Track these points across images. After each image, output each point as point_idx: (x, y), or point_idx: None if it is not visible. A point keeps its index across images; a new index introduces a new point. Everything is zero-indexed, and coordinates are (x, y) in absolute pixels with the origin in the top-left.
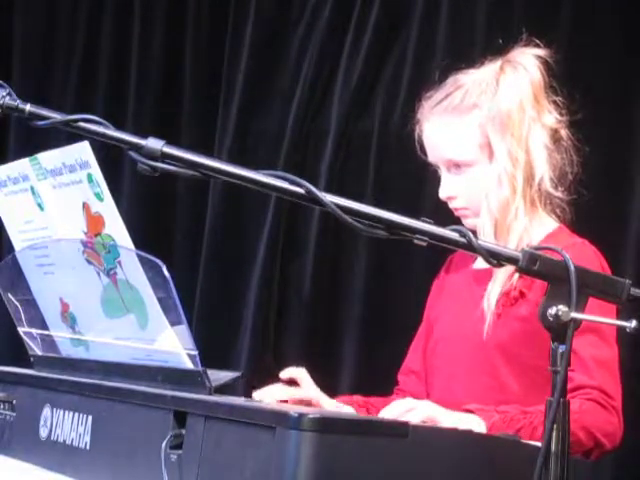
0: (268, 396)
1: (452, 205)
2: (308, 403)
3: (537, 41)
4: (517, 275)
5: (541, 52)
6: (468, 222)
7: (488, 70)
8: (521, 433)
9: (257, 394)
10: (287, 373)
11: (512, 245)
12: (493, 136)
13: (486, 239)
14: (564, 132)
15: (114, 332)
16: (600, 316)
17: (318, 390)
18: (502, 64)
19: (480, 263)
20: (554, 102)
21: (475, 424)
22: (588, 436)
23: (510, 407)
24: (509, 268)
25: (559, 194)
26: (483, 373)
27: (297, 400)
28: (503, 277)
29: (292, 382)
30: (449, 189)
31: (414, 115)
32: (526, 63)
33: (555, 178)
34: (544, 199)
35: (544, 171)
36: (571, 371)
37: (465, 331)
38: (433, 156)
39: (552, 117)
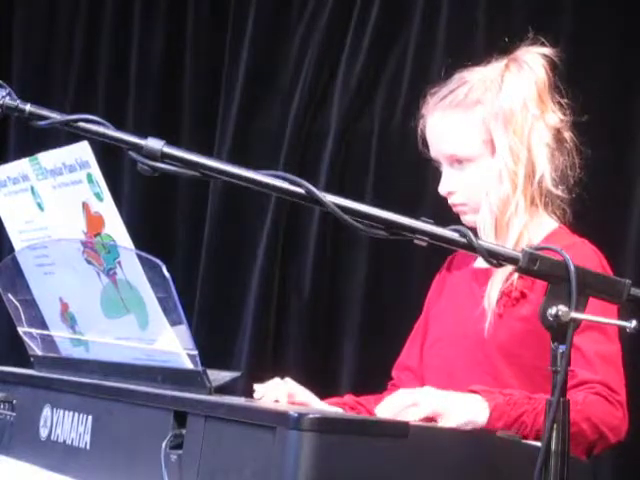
0: (268, 392)
1: (451, 201)
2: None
3: (543, 40)
4: (517, 275)
5: (547, 51)
6: (466, 219)
7: (494, 68)
8: (524, 417)
9: (258, 392)
10: (272, 390)
11: (512, 241)
12: (495, 132)
13: (486, 235)
14: (567, 134)
15: (114, 332)
16: (602, 316)
17: (308, 393)
18: (508, 62)
19: (481, 262)
20: (558, 103)
21: (477, 405)
22: (592, 428)
23: (515, 391)
24: (508, 267)
25: (559, 192)
26: (483, 373)
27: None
28: (502, 276)
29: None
30: (449, 184)
31: (419, 111)
32: (531, 62)
33: (557, 178)
34: (544, 198)
35: (545, 169)
36: (575, 368)
37: (465, 330)
38: (435, 151)
39: (556, 117)
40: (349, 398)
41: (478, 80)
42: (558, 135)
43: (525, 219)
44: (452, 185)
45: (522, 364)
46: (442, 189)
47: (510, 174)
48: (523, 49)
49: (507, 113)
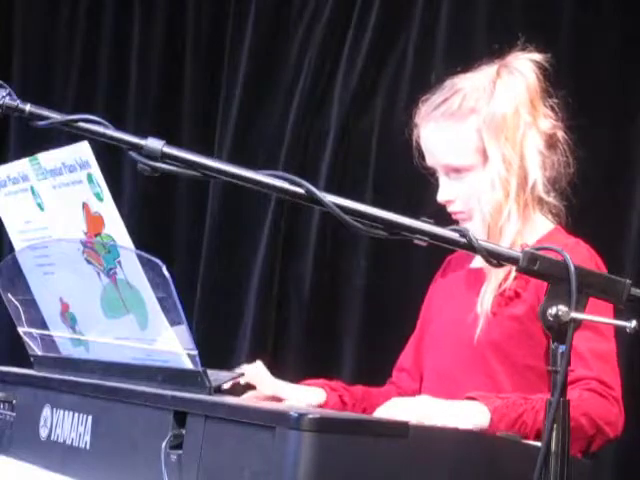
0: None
1: (450, 209)
2: (274, 399)
3: (532, 47)
4: (512, 276)
5: (537, 57)
6: (466, 226)
7: (485, 74)
8: (524, 417)
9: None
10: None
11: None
12: (488, 140)
13: None
14: (560, 134)
15: (114, 332)
16: (597, 315)
17: (277, 383)
18: (498, 68)
19: (476, 263)
20: (550, 106)
21: (477, 410)
22: (590, 422)
23: (511, 394)
24: (503, 270)
25: (551, 199)
26: (478, 372)
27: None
28: (498, 280)
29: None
30: (447, 193)
31: (411, 119)
32: (522, 68)
33: (550, 182)
34: (538, 202)
35: (537, 176)
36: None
37: (460, 330)
38: (431, 161)
39: (548, 122)
40: (335, 383)
41: (471, 88)
42: (551, 139)
43: (518, 225)
44: (450, 194)
45: (515, 363)
46: (440, 198)
47: (502, 182)
48: (513, 55)
49: (499, 120)
